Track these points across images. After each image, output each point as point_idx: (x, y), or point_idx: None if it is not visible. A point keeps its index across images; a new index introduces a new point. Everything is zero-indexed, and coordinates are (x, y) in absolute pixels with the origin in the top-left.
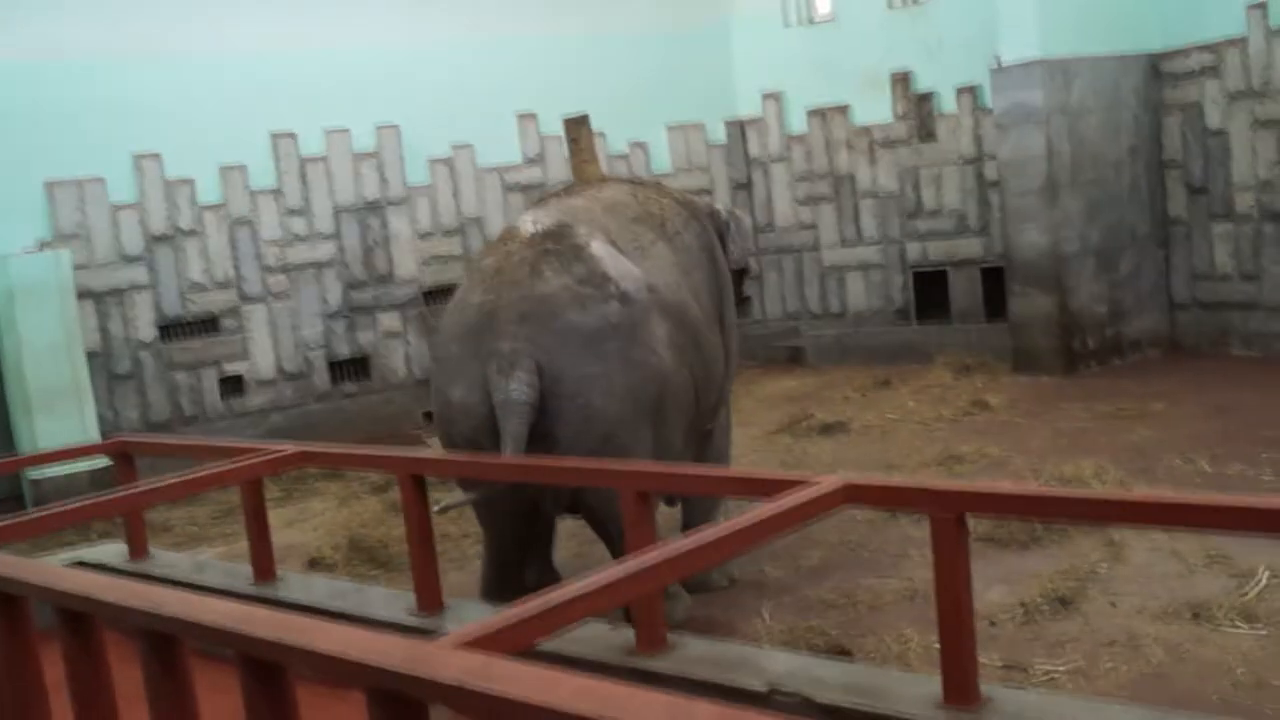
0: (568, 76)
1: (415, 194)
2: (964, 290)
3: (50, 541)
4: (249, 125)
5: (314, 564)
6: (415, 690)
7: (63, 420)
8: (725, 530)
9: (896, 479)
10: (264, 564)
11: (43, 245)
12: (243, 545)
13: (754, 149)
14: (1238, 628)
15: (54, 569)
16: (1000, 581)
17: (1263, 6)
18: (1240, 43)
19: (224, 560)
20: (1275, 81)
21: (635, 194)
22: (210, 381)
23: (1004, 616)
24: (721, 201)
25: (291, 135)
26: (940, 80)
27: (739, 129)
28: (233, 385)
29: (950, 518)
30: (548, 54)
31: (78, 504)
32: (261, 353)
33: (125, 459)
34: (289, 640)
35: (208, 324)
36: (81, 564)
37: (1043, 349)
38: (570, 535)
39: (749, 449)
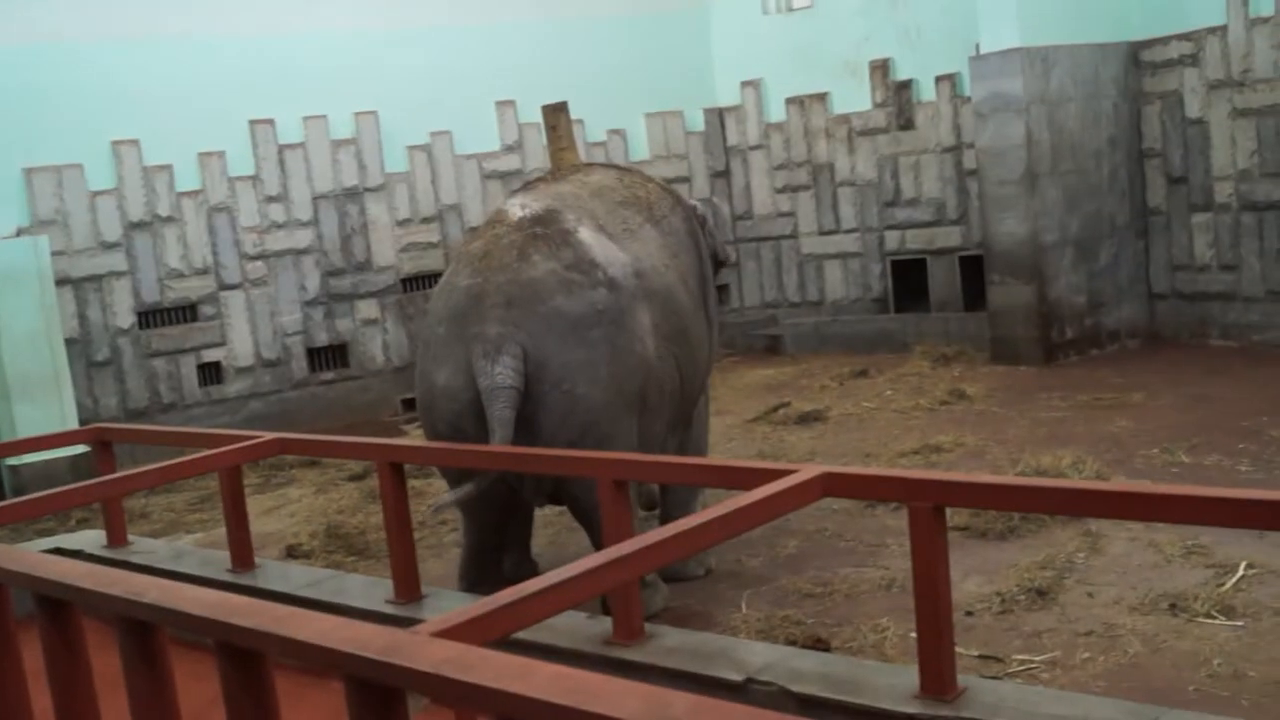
0: (546, 64)
1: (393, 181)
2: (942, 279)
3: (29, 528)
4: (227, 112)
5: (292, 552)
6: (393, 678)
7: (42, 407)
8: (703, 520)
9: (874, 469)
10: (242, 552)
11: (21, 231)
12: (221, 532)
13: (732, 137)
14: (1215, 620)
15: (33, 556)
16: (977, 572)
17: None
18: (1220, 31)
19: (202, 548)
20: (1255, 71)
21: (621, 178)
22: (189, 368)
23: (981, 607)
24: (699, 190)
25: (270, 122)
26: (919, 68)
27: (717, 117)
28: (211, 372)
29: (927, 508)
30: (526, 41)
31: (57, 491)
32: (240, 340)
33: (104, 446)
34: (267, 628)
35: (186, 311)
36: (60, 551)
37: (1021, 339)
38: (547, 523)
39: (726, 438)
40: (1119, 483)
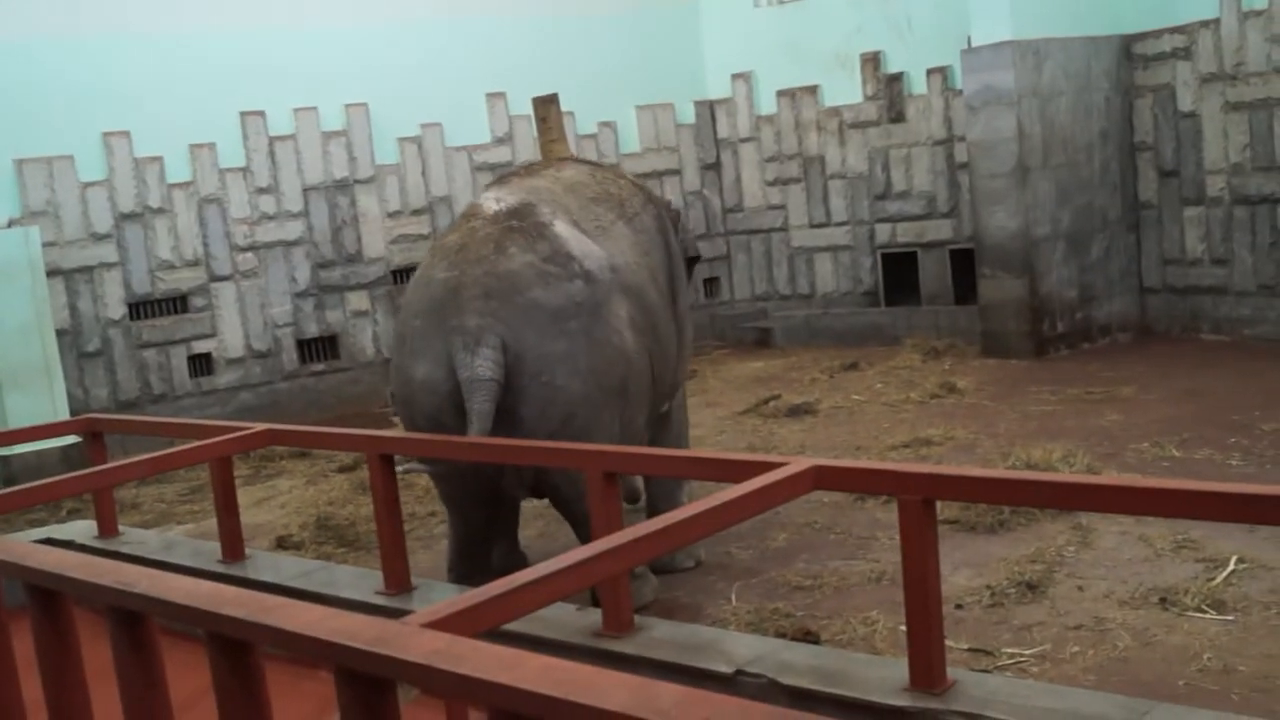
0: (537, 56)
1: (384, 173)
2: (933, 273)
3: (20, 519)
4: (218, 103)
5: (282, 543)
6: (383, 669)
7: (33, 398)
8: (693, 512)
9: (864, 462)
10: (232, 542)
11: (12, 222)
12: (211, 523)
13: (723, 129)
14: (1205, 614)
15: (24, 546)
16: (967, 565)
17: None
18: (1212, 25)
19: (193, 538)
20: (1247, 64)
21: (594, 174)
22: (179, 360)
23: (971, 600)
24: (689, 182)
25: (260, 114)
26: (910, 61)
27: (708, 109)
28: (201, 363)
29: (917, 501)
30: (517, 33)
31: (48, 482)
32: (230, 331)
33: (95, 437)
34: (258, 619)
35: (177, 302)
36: (51, 541)
37: (1012, 332)
38: (536, 515)
39: (716, 430)
40: (1109, 476)
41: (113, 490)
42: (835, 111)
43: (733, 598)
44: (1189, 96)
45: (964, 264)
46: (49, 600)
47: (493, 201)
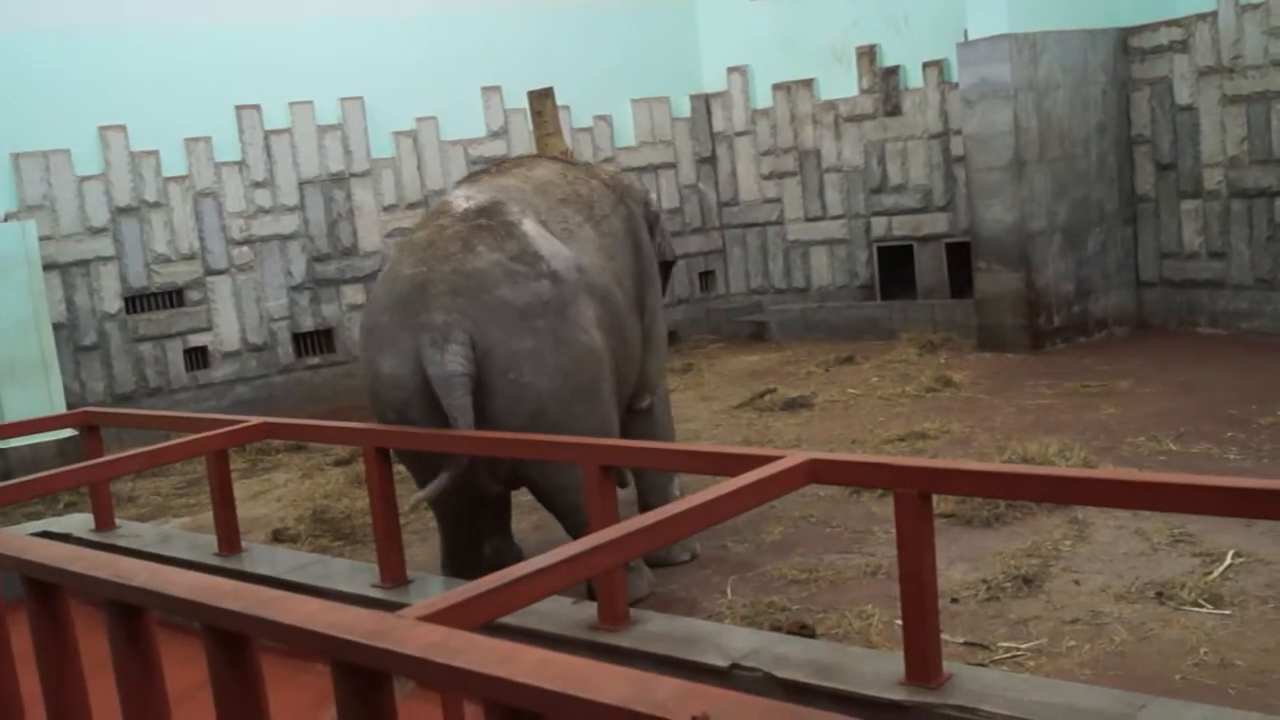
0: (532, 49)
1: (379, 166)
2: (929, 266)
3: (17, 512)
4: (213, 97)
5: (278, 536)
6: (379, 662)
7: (29, 391)
8: (688, 506)
9: (860, 455)
10: (229, 536)
11: (8, 217)
12: (207, 516)
13: (718, 123)
14: (1202, 608)
15: (21, 539)
16: (963, 559)
17: None
18: (1210, 18)
19: (189, 531)
20: (1245, 57)
21: (565, 175)
22: (175, 353)
23: (967, 594)
24: (685, 176)
25: (256, 107)
26: (906, 54)
27: (704, 103)
28: (197, 357)
29: (913, 494)
30: (512, 27)
31: (45, 475)
32: (226, 325)
33: (91, 430)
34: (254, 612)
35: (173, 296)
36: (49, 534)
37: (1008, 326)
38: (533, 508)
39: (711, 424)
40: (1106, 470)
41: (109, 483)
42: (831, 105)
43: (728, 591)
44: (1186, 90)
45: (960, 257)
46: (46, 593)
47: (462, 199)
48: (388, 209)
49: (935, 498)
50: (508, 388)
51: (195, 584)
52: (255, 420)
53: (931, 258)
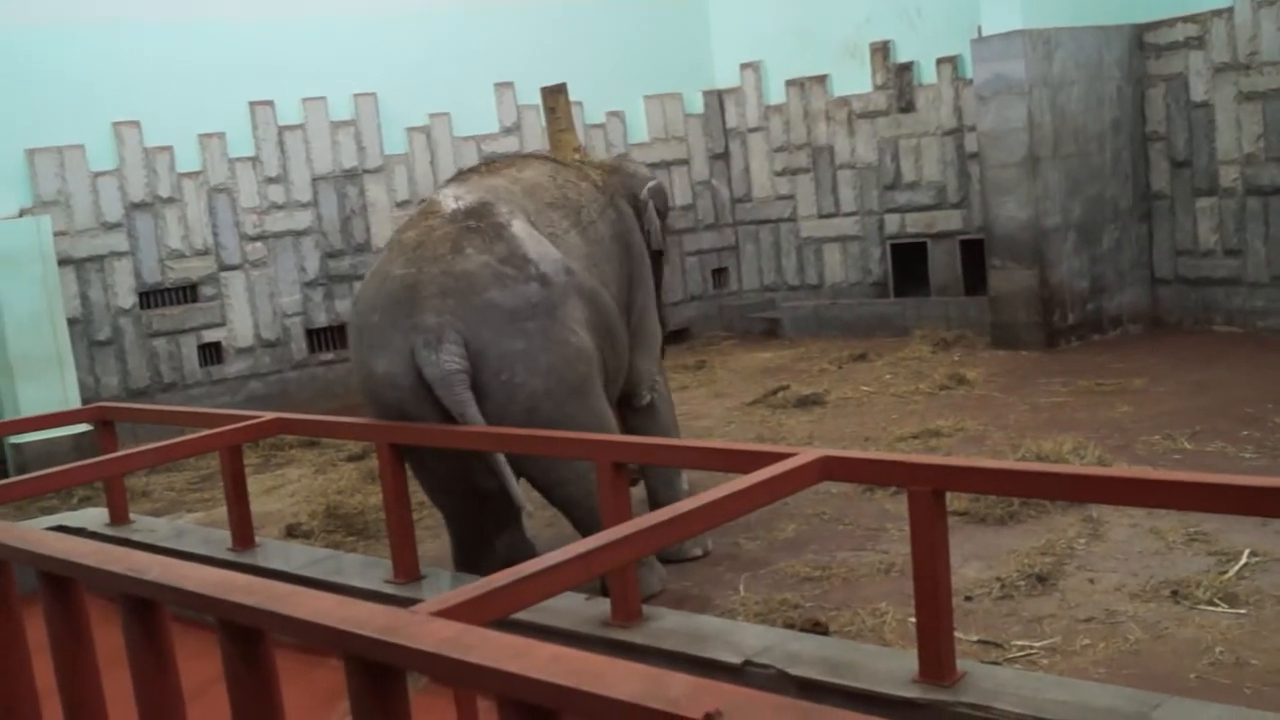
0: (545, 46)
1: (392, 162)
2: (943, 263)
3: (32, 506)
4: (227, 93)
5: (292, 531)
6: (393, 657)
7: (44, 387)
8: (701, 503)
9: (873, 453)
10: (243, 531)
11: (23, 212)
12: (221, 511)
13: (732, 119)
14: (1217, 607)
15: (36, 533)
16: (977, 557)
17: None
18: (1226, 14)
19: (203, 526)
20: (1261, 53)
21: (554, 177)
22: (189, 349)
23: (981, 592)
24: (698, 172)
25: (269, 103)
26: (920, 50)
27: (717, 99)
28: (211, 352)
29: (927, 492)
30: (526, 23)
31: (59, 470)
32: (240, 320)
33: (106, 425)
34: (268, 606)
35: (187, 291)
36: (63, 529)
37: (1022, 323)
38: (546, 504)
39: (724, 421)
40: (1120, 469)
41: (124, 478)
42: (844, 101)
43: (741, 588)
44: (1202, 86)
45: (974, 255)
46: (61, 587)
47: (451, 199)
48: (401, 205)
49: (949, 495)
50: (500, 388)
51: (209, 578)
52: (269, 416)
53: (945, 255)
